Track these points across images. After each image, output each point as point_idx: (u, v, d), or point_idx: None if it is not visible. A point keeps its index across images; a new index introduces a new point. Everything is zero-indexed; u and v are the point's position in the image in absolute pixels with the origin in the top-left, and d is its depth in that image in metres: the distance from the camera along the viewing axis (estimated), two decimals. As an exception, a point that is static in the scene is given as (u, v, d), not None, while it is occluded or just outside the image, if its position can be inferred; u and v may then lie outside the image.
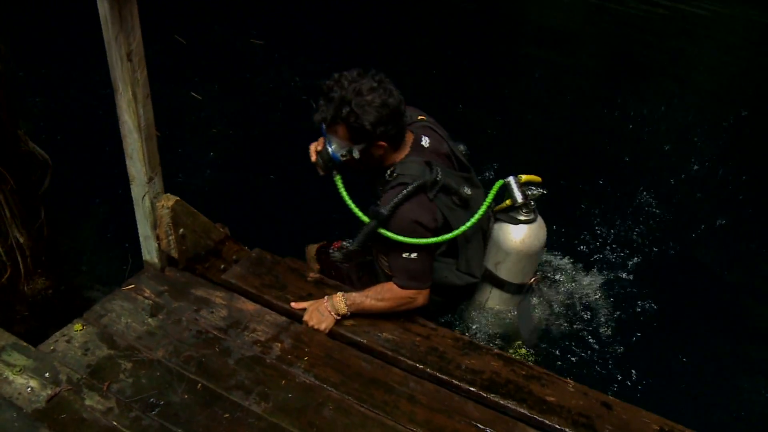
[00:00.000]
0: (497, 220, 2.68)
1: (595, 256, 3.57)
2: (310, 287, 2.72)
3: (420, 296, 2.51)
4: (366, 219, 2.41)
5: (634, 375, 2.79)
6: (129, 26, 2.13)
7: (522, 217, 2.60)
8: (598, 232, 3.82)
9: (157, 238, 2.60)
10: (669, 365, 3.01)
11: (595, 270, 3.33)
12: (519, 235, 2.61)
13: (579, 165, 4.75)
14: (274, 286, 2.71)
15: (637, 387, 2.76)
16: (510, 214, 2.63)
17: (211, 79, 5.31)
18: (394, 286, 2.49)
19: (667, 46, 7.18)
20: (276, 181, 4.26)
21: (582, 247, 3.64)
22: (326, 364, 2.32)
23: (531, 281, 2.78)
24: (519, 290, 2.76)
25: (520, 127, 5.31)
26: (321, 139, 2.48)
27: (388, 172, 2.44)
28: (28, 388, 2.15)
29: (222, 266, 2.81)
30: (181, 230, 2.59)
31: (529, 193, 2.61)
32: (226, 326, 2.46)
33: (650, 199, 4.19)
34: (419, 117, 2.66)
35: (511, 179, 2.59)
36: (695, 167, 4.78)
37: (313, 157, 2.51)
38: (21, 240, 2.79)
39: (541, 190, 2.63)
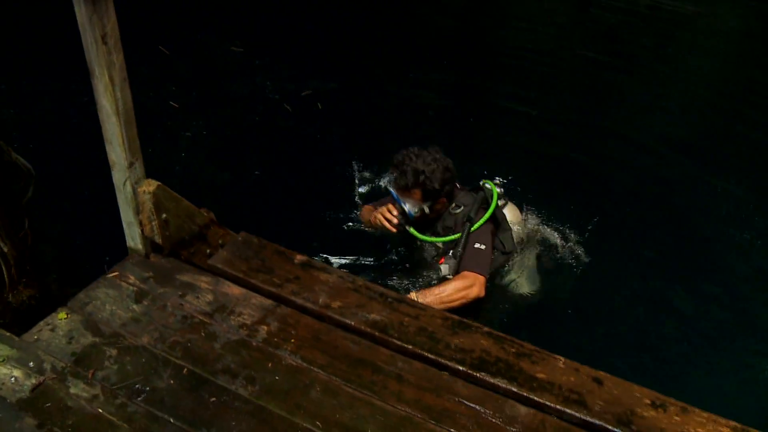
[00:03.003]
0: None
1: (585, 237, 3.58)
2: (298, 270, 2.69)
3: (478, 282, 3.00)
4: (454, 236, 3.14)
5: (625, 351, 2.79)
6: (102, 7, 2.08)
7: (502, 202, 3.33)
8: (585, 214, 3.83)
9: (140, 224, 2.57)
10: (658, 340, 3.00)
11: (583, 248, 3.34)
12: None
13: (567, 160, 4.79)
14: (261, 269, 2.68)
15: (629, 362, 2.74)
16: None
17: (189, 88, 5.36)
18: (463, 273, 3.03)
19: (654, 41, 7.25)
20: (257, 175, 4.34)
21: (572, 231, 3.65)
22: (313, 346, 2.30)
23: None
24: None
25: (497, 127, 5.38)
26: (389, 204, 3.27)
27: (452, 207, 3.27)
28: (11, 378, 2.12)
29: (208, 251, 2.78)
30: (164, 215, 2.55)
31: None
32: (211, 311, 2.44)
33: (638, 187, 4.25)
34: None
35: (496, 180, 3.35)
36: (678, 157, 4.85)
37: (395, 221, 3.23)
38: (5, 250, 2.75)
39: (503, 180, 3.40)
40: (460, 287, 3.00)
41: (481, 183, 3.36)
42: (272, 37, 6.42)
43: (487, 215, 3.16)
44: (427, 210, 3.20)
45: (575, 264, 3.39)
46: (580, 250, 3.38)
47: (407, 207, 3.18)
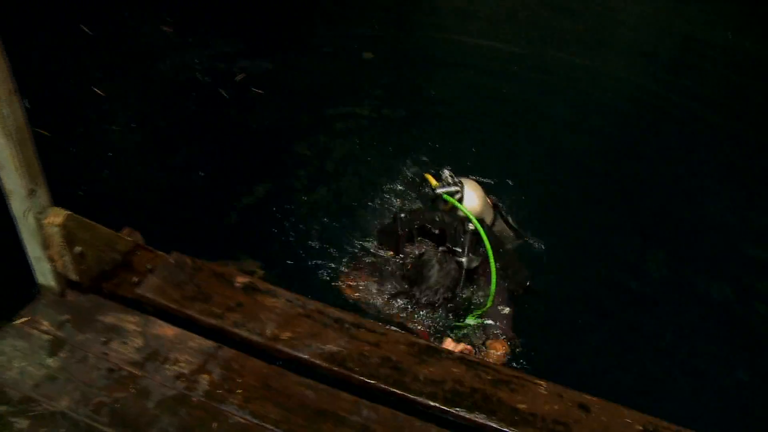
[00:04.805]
0: None
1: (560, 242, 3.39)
2: (240, 295, 2.38)
3: None
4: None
5: (608, 367, 2.58)
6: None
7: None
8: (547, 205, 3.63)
9: (51, 259, 2.19)
10: (643, 356, 2.83)
11: (562, 260, 3.14)
12: None
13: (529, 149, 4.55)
14: (197, 297, 2.35)
15: (614, 377, 2.55)
16: None
17: (115, 72, 4.80)
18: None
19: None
20: (190, 176, 3.90)
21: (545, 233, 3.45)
22: (264, 397, 2.00)
23: None
24: None
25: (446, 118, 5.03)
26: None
27: None
28: None
29: (135, 279, 2.42)
30: (78, 248, 2.18)
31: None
32: (142, 359, 2.10)
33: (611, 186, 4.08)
34: None
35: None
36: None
37: None
38: None
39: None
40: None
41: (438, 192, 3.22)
42: (203, 13, 5.87)
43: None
44: None
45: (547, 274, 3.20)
46: (554, 259, 3.18)
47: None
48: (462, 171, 3.52)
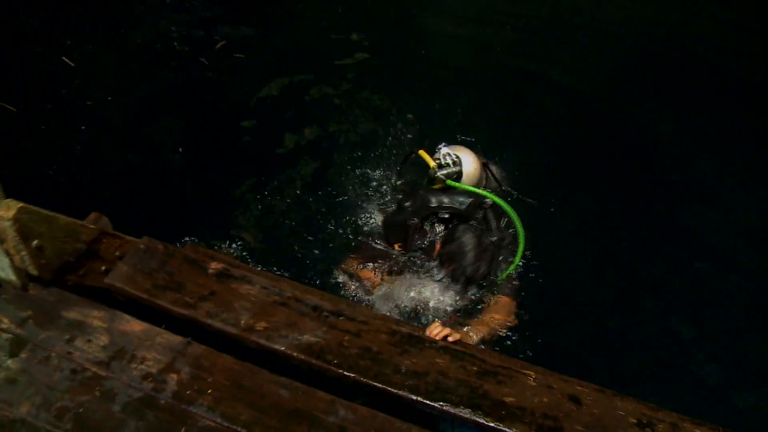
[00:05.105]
0: None
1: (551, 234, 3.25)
2: (213, 283, 2.26)
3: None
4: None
5: (601, 351, 2.47)
6: None
7: None
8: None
9: (7, 253, 2.06)
10: (634, 339, 2.71)
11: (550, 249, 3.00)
12: None
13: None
14: (168, 286, 2.23)
15: (607, 362, 2.43)
16: None
17: (87, 41, 4.49)
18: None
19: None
20: (168, 155, 3.68)
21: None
22: (235, 397, 1.89)
23: None
24: None
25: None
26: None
27: None
28: None
29: (103, 268, 2.31)
30: (35, 242, 2.05)
31: None
32: (107, 358, 1.99)
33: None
34: None
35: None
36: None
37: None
38: None
39: None
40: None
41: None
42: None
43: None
44: None
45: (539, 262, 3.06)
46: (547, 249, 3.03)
47: None
48: (449, 130, 3.35)
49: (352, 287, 2.98)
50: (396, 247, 2.99)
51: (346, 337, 2.08)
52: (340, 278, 3.00)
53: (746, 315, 3.05)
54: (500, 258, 2.86)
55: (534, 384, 1.97)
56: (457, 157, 3.02)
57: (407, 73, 4.73)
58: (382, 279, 2.95)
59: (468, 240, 2.76)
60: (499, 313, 2.80)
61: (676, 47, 5.36)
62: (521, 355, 2.63)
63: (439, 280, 2.86)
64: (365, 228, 3.24)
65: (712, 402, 2.55)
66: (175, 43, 4.53)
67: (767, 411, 2.53)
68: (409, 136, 3.92)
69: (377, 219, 3.29)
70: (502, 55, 4.97)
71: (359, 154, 3.80)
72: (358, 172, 3.65)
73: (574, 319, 2.80)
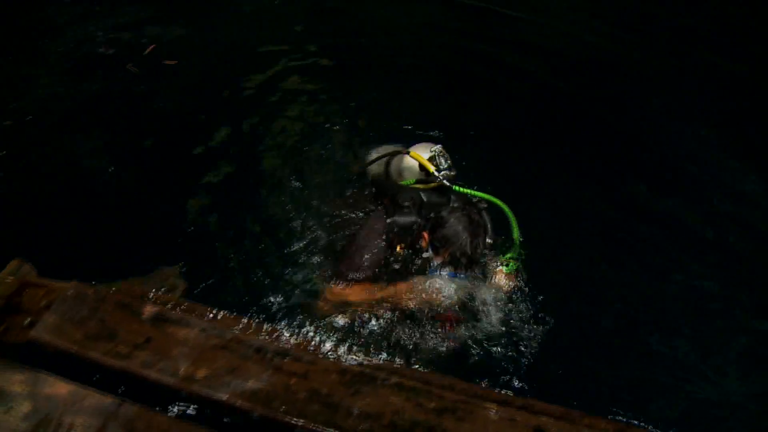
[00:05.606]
0: None
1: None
2: (148, 328, 2.09)
3: None
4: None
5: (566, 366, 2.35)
6: None
7: None
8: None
9: None
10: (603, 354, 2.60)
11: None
12: None
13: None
14: (100, 335, 2.06)
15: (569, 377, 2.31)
16: None
17: (3, 51, 4.24)
18: None
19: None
20: (97, 176, 3.39)
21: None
22: (171, 462, 1.72)
23: None
24: None
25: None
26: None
27: None
28: None
29: (27, 320, 2.12)
30: (-59, 304, 1.86)
31: None
32: (31, 429, 1.81)
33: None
34: None
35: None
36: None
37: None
38: None
39: None
40: None
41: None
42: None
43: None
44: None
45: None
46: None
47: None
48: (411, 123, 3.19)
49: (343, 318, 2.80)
50: (399, 249, 2.82)
51: (293, 380, 1.93)
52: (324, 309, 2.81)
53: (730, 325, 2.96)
54: (489, 227, 2.75)
55: (495, 418, 1.83)
56: (449, 157, 2.90)
57: (356, 65, 4.55)
58: (379, 290, 2.78)
59: (458, 220, 2.68)
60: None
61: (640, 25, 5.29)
62: (503, 364, 2.50)
63: (438, 269, 2.73)
64: (327, 243, 3.06)
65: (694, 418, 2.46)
66: (101, 49, 4.23)
67: (748, 422, 2.44)
68: (371, 134, 3.76)
69: (336, 231, 3.12)
70: (456, 37, 4.81)
71: (312, 156, 3.63)
72: (316, 177, 3.49)
73: (557, 322, 2.67)
